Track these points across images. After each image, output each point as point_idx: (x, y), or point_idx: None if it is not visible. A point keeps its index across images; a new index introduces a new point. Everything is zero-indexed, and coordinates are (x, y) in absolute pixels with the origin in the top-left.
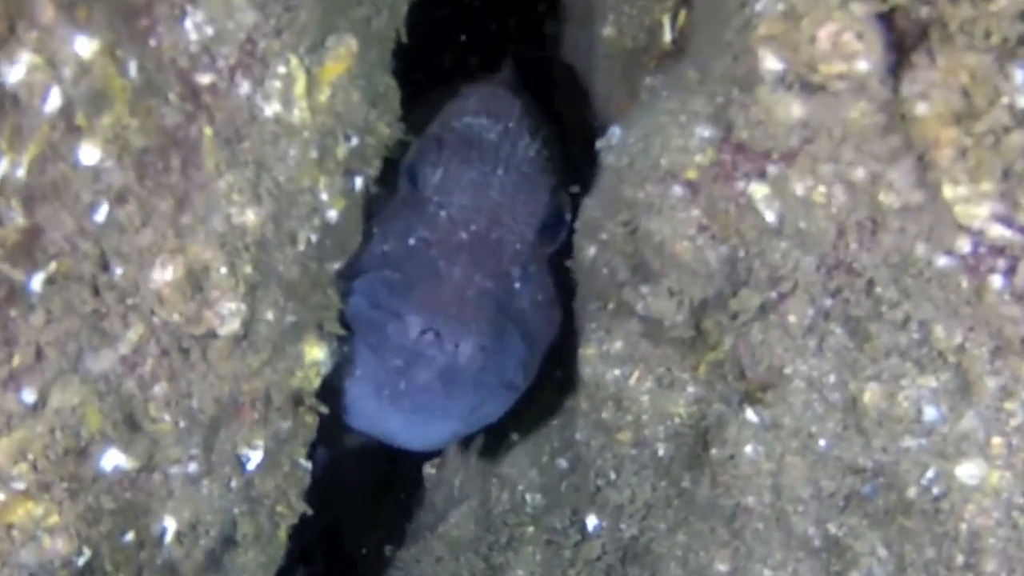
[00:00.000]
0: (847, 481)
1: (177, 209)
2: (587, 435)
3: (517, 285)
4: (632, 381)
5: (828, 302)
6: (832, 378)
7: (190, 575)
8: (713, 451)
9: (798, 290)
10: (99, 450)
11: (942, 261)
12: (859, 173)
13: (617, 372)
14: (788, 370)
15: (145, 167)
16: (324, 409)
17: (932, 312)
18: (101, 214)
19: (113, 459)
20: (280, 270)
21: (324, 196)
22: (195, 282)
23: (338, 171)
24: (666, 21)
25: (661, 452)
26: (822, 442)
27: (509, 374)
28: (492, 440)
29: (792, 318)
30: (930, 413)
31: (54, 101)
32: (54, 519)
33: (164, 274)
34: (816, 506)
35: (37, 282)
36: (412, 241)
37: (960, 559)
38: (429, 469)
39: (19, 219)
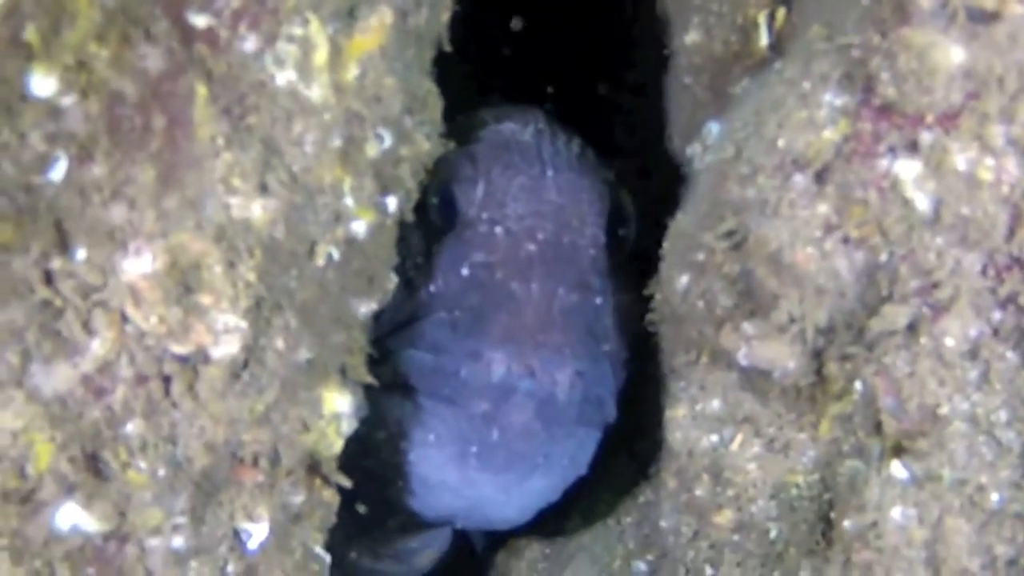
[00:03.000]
0: None
1: (160, 185)
2: (675, 521)
3: (599, 300)
4: (734, 446)
5: (997, 315)
6: (1004, 415)
7: None
8: (846, 523)
9: (958, 301)
10: (53, 499)
11: None
12: None
13: (715, 437)
14: (944, 410)
15: (118, 119)
16: (346, 483)
17: None
18: (58, 171)
19: (71, 516)
20: (293, 288)
21: (349, 201)
22: (182, 279)
23: (367, 173)
24: (762, 20)
25: (773, 534)
26: (995, 496)
27: (608, 409)
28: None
29: (950, 340)
30: None
31: None
32: None
33: (140, 263)
34: None
35: None
36: (465, 271)
37: None
38: None
39: None
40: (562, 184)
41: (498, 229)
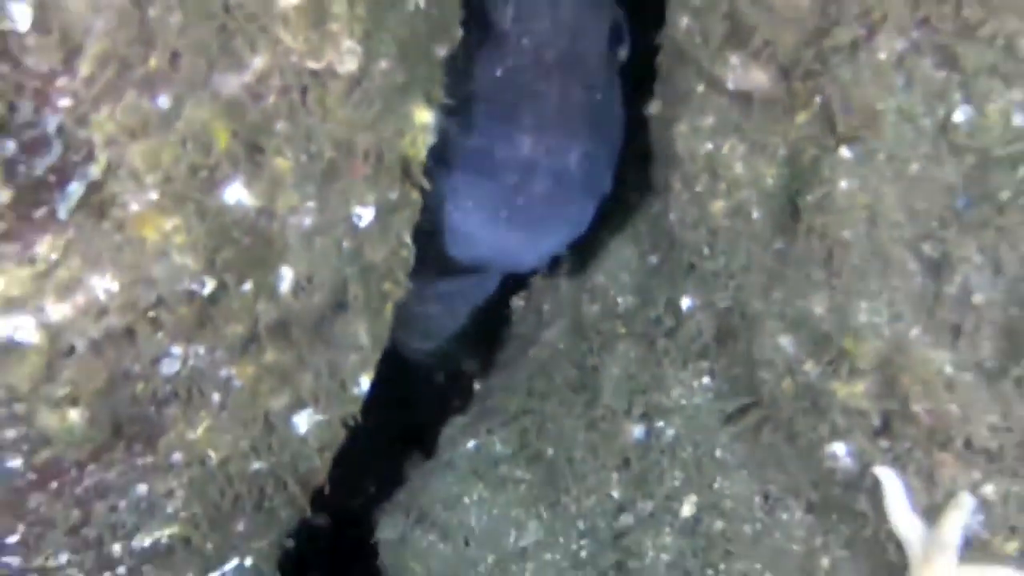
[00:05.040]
0: (940, 199)
1: None
2: (680, 214)
3: (599, 95)
4: (725, 150)
5: (915, 33)
6: (921, 108)
7: (300, 336)
8: (808, 197)
9: (887, 23)
10: (224, 178)
11: None
12: None
13: (710, 145)
14: (880, 106)
15: None
16: (427, 185)
17: (1016, 25)
18: None
19: (237, 193)
20: (392, 26)
21: None
22: (319, 10)
23: None
24: None
25: (755, 216)
26: (915, 166)
27: (606, 182)
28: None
29: (882, 54)
30: (1019, 119)
31: None
32: (183, 238)
33: None
34: (912, 228)
35: None
36: (499, 73)
37: None
38: (518, 302)
39: None
40: (575, 5)
41: (525, 40)
